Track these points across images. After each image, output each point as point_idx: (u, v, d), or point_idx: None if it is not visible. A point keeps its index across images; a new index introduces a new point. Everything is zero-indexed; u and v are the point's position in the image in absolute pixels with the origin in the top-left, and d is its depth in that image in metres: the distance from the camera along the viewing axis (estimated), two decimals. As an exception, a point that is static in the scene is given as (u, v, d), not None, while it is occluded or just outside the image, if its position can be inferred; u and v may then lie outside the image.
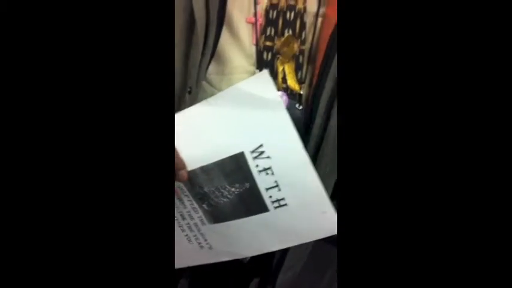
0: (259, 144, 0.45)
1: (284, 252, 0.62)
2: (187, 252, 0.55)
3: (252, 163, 0.46)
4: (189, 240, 0.55)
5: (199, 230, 0.53)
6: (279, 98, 0.43)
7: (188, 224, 0.53)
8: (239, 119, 0.45)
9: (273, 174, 0.46)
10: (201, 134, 0.46)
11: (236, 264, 0.61)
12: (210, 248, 0.55)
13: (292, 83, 0.58)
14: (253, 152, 0.45)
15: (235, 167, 0.47)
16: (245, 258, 0.59)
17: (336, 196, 0.60)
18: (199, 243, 0.55)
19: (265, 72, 0.43)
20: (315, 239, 0.51)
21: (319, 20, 0.56)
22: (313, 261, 0.63)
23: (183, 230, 0.54)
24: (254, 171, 0.46)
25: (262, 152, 0.45)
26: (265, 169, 0.46)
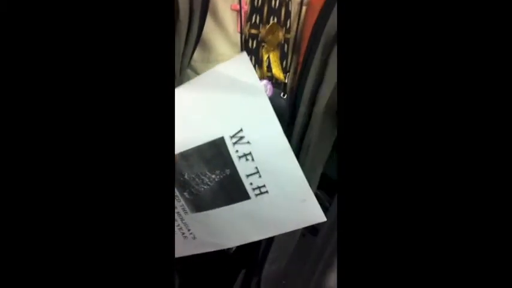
0: (239, 129, 0.43)
1: (269, 244, 0.60)
2: None
3: (231, 148, 0.44)
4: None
5: (182, 220, 0.52)
6: (259, 82, 0.42)
7: None
8: (218, 102, 0.43)
9: (253, 160, 0.45)
10: (180, 119, 0.44)
11: (223, 256, 0.59)
12: (194, 238, 0.53)
13: (277, 71, 0.57)
14: (233, 137, 0.44)
15: (215, 153, 0.45)
16: (230, 249, 0.57)
17: (323, 187, 0.58)
18: (183, 233, 0.53)
19: (244, 54, 0.41)
20: (296, 228, 0.49)
21: (304, 8, 0.54)
22: (298, 253, 0.61)
23: None
24: (234, 156, 0.45)
25: (242, 137, 0.44)
26: (245, 155, 0.44)
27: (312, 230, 0.60)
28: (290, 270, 0.63)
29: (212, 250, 0.53)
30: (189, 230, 0.52)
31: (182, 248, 0.54)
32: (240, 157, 0.45)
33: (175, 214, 0.51)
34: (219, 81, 0.42)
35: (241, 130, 0.43)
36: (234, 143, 0.44)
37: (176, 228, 0.53)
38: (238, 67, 0.41)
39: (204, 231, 0.52)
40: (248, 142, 0.44)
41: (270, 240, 0.59)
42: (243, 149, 0.44)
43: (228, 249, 0.56)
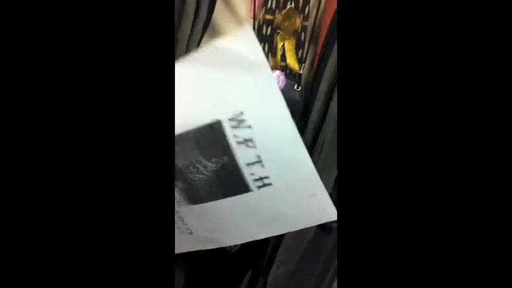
0: (239, 111, 0.37)
1: (276, 246, 0.54)
2: None
3: (230, 133, 0.38)
4: None
5: (177, 212, 0.46)
6: (264, 58, 0.36)
7: None
8: (216, 81, 0.37)
9: (254, 147, 0.38)
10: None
11: (227, 256, 0.53)
12: (191, 233, 0.47)
13: (291, 61, 0.51)
14: (231, 120, 0.38)
15: (211, 138, 0.39)
16: (232, 247, 0.51)
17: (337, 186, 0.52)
18: (179, 227, 0.47)
19: (248, 27, 0.35)
20: (304, 226, 0.43)
21: None
22: (308, 255, 0.55)
23: None
24: (233, 142, 0.38)
25: (242, 121, 0.37)
26: (245, 141, 0.38)
27: (325, 227, 0.54)
28: (299, 273, 0.56)
29: (211, 248, 0.47)
30: (184, 224, 0.46)
31: (177, 244, 0.48)
32: (239, 143, 0.38)
33: None
34: (218, 56, 0.36)
35: (241, 113, 0.37)
36: (233, 127, 0.38)
37: (171, 222, 0.47)
38: (240, 41, 0.35)
39: (201, 225, 0.46)
40: (249, 126, 0.38)
41: (277, 242, 0.53)
42: (243, 134, 0.38)
43: (230, 247, 0.50)
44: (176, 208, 0.45)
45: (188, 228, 0.47)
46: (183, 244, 0.48)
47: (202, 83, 0.38)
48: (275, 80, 0.36)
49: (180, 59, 0.38)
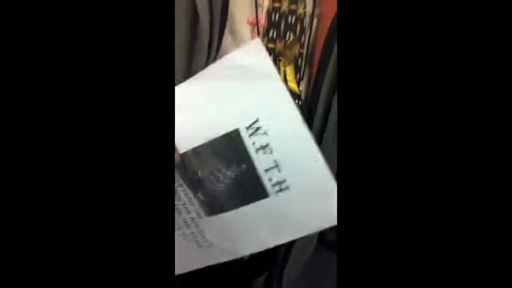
0: (255, 119, 0.39)
1: (289, 248, 0.54)
2: (185, 254, 0.48)
3: (248, 141, 0.40)
4: (186, 239, 0.47)
5: (196, 226, 0.46)
6: (273, 68, 0.38)
7: (184, 219, 0.46)
8: (231, 92, 0.39)
9: (271, 152, 0.40)
10: (190, 112, 0.41)
11: (235, 264, 0.53)
12: (210, 246, 0.47)
13: (292, 85, 0.55)
14: (249, 128, 0.40)
15: (230, 146, 0.40)
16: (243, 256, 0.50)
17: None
18: (197, 242, 0.47)
19: (258, 40, 0.38)
20: (318, 229, 0.43)
21: (315, 20, 0.53)
22: (315, 264, 0.55)
23: (178, 228, 0.47)
24: (251, 149, 0.40)
25: (258, 128, 0.39)
26: (262, 147, 0.40)
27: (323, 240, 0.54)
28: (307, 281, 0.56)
29: (228, 259, 0.47)
30: (204, 237, 0.47)
31: (197, 260, 0.48)
32: (257, 149, 0.40)
33: (189, 219, 0.46)
34: (231, 70, 0.39)
35: (257, 120, 0.39)
36: (250, 135, 0.40)
37: (190, 236, 0.47)
38: (250, 54, 0.38)
39: (220, 237, 0.46)
40: (265, 133, 0.39)
41: (289, 246, 0.54)
42: (260, 140, 0.40)
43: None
44: (197, 222, 0.46)
45: (207, 241, 0.47)
46: (203, 259, 0.48)
47: (217, 96, 0.40)
48: (284, 86, 0.38)
49: (195, 75, 0.40)
